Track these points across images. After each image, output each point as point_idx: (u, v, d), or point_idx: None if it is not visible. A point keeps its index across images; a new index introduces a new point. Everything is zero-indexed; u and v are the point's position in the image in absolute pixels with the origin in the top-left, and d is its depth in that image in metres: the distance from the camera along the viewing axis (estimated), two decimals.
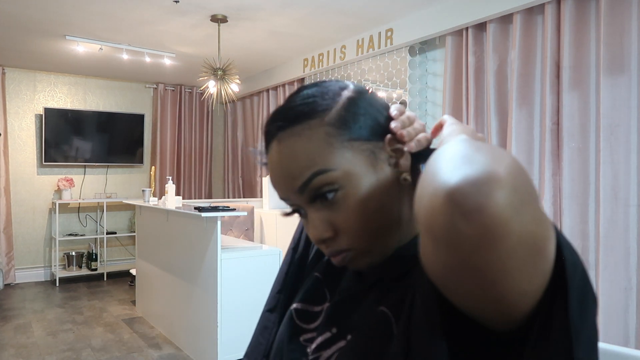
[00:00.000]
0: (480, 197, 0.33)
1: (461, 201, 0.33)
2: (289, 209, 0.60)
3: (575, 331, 0.37)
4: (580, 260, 0.40)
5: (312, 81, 4.51)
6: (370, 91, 0.60)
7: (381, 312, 0.54)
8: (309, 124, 0.54)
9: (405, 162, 0.57)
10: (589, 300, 0.39)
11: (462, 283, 0.36)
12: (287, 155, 0.54)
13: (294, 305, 0.66)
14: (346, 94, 0.57)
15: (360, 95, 0.58)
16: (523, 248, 0.34)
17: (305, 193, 0.54)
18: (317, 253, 0.74)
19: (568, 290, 0.37)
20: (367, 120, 0.56)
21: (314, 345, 0.59)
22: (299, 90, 0.59)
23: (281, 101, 5.02)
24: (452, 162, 0.37)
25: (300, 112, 0.55)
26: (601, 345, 0.78)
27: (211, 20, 3.58)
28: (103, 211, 5.59)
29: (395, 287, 0.55)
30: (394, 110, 0.58)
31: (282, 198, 0.58)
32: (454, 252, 0.34)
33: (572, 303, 0.37)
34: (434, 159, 0.40)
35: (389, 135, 0.57)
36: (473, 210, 0.33)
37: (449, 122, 0.57)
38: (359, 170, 0.54)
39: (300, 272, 0.74)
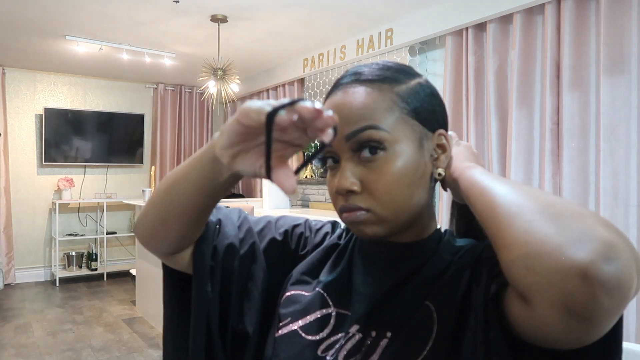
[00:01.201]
0: (617, 272, 0.36)
1: (603, 280, 0.36)
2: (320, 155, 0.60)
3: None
4: None
5: (312, 81, 4.52)
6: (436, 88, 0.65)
7: (426, 307, 0.54)
8: (380, 85, 0.58)
9: (444, 159, 0.61)
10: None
11: (577, 340, 0.40)
12: (351, 101, 0.57)
13: (291, 327, 0.63)
14: (419, 78, 0.62)
15: (430, 85, 0.63)
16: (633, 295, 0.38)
17: (351, 141, 0.56)
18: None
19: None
20: (427, 108, 0.60)
21: (343, 353, 0.57)
22: (379, 62, 0.63)
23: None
24: (548, 223, 0.40)
25: (376, 74, 0.59)
26: None
27: (211, 20, 3.58)
28: (103, 211, 5.59)
29: (434, 283, 0.57)
30: (451, 133, 0.65)
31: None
32: (591, 323, 0.38)
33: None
34: (492, 213, 0.45)
35: (440, 130, 0.61)
36: (615, 287, 0.36)
37: (456, 141, 0.65)
38: (406, 144, 0.57)
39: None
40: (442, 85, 3.37)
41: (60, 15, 3.52)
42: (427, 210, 0.62)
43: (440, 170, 0.60)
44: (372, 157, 0.56)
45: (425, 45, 3.59)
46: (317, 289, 0.66)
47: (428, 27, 3.37)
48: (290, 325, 0.64)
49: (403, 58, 3.60)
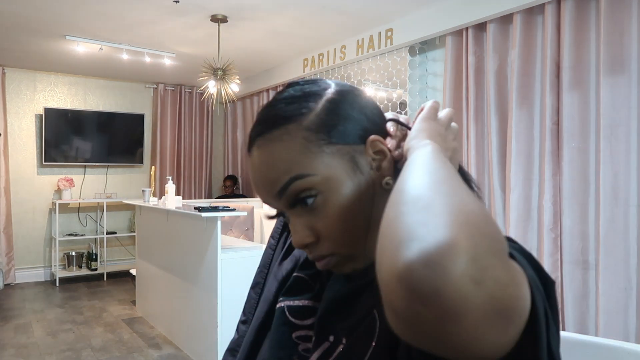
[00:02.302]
0: (436, 279, 0.31)
1: (416, 287, 0.31)
2: (273, 212, 0.60)
3: None
4: (553, 296, 0.40)
5: None
6: (355, 91, 0.58)
7: (373, 315, 0.53)
8: (287, 128, 0.54)
9: (388, 164, 0.56)
10: (555, 334, 0.40)
11: (430, 349, 0.34)
12: (266, 161, 0.54)
13: (284, 303, 0.65)
14: (328, 95, 0.56)
15: (343, 96, 0.56)
16: (489, 318, 0.32)
17: (283, 198, 0.54)
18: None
19: (538, 336, 0.37)
20: (347, 124, 0.55)
21: (315, 356, 0.57)
22: (285, 89, 0.58)
23: None
24: (407, 215, 0.35)
25: (279, 116, 0.55)
26: (602, 340, 0.79)
27: (211, 20, 3.58)
28: (103, 211, 5.59)
29: None
30: (389, 125, 0.58)
31: (264, 202, 0.58)
32: (417, 330, 0.33)
33: (541, 345, 0.37)
34: (392, 196, 0.40)
35: (371, 137, 0.55)
36: (429, 295, 0.31)
37: (419, 118, 0.56)
38: (339, 175, 0.53)
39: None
40: (442, 85, 3.38)
41: (60, 15, 3.52)
42: None
43: (388, 179, 0.55)
44: (311, 205, 0.53)
45: (425, 45, 3.59)
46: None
47: (428, 27, 3.37)
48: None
49: (403, 58, 3.60)
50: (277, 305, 0.66)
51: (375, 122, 0.57)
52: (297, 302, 0.64)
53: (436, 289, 0.31)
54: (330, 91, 0.57)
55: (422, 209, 0.35)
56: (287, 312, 0.64)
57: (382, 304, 0.38)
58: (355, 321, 0.55)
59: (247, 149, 0.58)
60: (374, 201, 0.55)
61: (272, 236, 0.78)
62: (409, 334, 0.34)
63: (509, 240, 0.47)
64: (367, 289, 0.57)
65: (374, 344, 0.51)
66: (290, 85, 0.58)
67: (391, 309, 0.34)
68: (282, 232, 0.77)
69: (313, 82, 0.59)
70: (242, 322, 0.76)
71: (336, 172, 0.53)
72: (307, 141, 0.53)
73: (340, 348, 0.55)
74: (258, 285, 0.77)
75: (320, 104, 0.55)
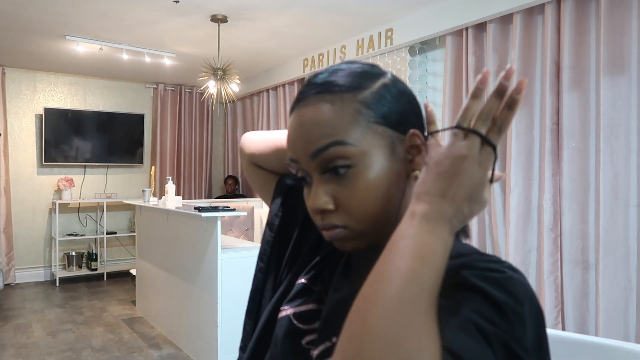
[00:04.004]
0: None
1: None
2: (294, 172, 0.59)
3: None
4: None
5: None
6: (405, 84, 0.60)
7: None
8: (341, 96, 0.55)
9: (421, 160, 0.56)
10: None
11: None
12: (313, 118, 0.55)
13: (289, 311, 0.65)
14: (385, 80, 0.58)
15: (395, 84, 0.58)
16: None
17: (317, 159, 0.54)
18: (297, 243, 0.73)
19: None
20: (395, 110, 0.56)
21: (316, 353, 0.58)
22: (341, 64, 0.59)
23: (281, 101, 5.02)
24: (365, 338, 0.39)
25: (336, 83, 0.56)
26: (602, 340, 0.79)
27: (211, 20, 3.58)
28: (103, 211, 5.59)
29: None
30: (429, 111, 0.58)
31: (292, 159, 0.58)
32: None
33: None
34: (364, 294, 0.43)
35: (412, 131, 0.57)
36: None
37: (434, 155, 0.50)
38: (376, 154, 0.54)
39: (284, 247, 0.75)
40: (442, 85, 3.38)
41: (60, 15, 3.52)
42: (407, 206, 0.57)
43: (418, 173, 0.56)
44: (342, 174, 0.54)
45: (425, 45, 3.59)
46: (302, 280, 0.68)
47: (428, 27, 3.37)
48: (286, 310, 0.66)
49: (403, 58, 3.60)
50: (280, 315, 0.65)
51: (418, 118, 0.59)
52: (302, 308, 0.64)
53: None
54: (388, 77, 0.59)
55: (376, 340, 0.39)
56: (293, 319, 0.64)
57: None
58: None
59: (292, 107, 0.59)
60: (400, 189, 0.56)
61: (260, 259, 0.77)
62: None
63: (501, 263, 0.47)
64: None
65: None
66: (348, 62, 0.59)
67: None
68: (270, 255, 0.76)
69: (371, 65, 0.60)
70: (241, 348, 0.76)
71: (375, 151, 0.54)
72: (358, 113, 0.54)
73: None
74: (252, 312, 0.76)
75: (377, 84, 0.57)
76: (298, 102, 0.58)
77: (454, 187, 0.46)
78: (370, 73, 0.58)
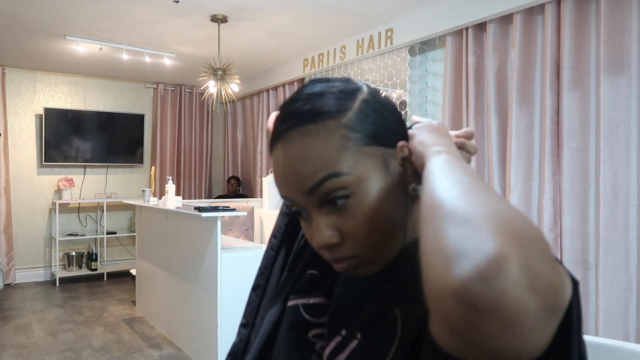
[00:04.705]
0: (495, 294, 0.31)
1: (475, 303, 0.31)
2: (289, 209, 0.58)
3: None
4: (578, 295, 0.40)
5: None
6: (380, 94, 0.58)
7: (394, 314, 0.53)
8: (324, 124, 0.52)
9: (412, 171, 0.55)
10: (582, 339, 0.40)
11: (483, 359, 0.34)
12: (300, 155, 0.52)
13: (297, 302, 0.64)
14: (362, 95, 0.55)
15: (374, 97, 0.56)
16: (543, 322, 0.32)
17: (314, 195, 0.52)
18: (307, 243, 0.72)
19: (571, 335, 0.37)
20: (381, 126, 0.54)
21: (328, 351, 0.57)
22: (309, 84, 0.56)
23: (281, 101, 5.02)
24: (447, 230, 0.35)
25: (315, 110, 0.52)
26: (602, 340, 0.79)
27: (211, 20, 3.58)
28: (103, 211, 5.59)
29: (406, 290, 0.54)
30: (414, 125, 0.58)
31: (285, 197, 0.55)
32: (475, 344, 0.33)
33: (573, 346, 0.38)
34: (425, 212, 0.40)
35: (401, 143, 0.55)
36: (490, 310, 0.31)
37: (415, 127, 0.56)
38: (372, 176, 0.52)
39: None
40: (442, 85, 3.37)
41: (60, 15, 3.52)
42: (411, 219, 0.57)
43: (414, 186, 0.54)
44: (342, 205, 0.52)
45: (425, 45, 3.59)
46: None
47: (428, 27, 3.37)
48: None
49: (403, 58, 3.60)
50: (289, 304, 0.65)
51: (402, 126, 0.57)
52: (311, 300, 0.63)
53: (496, 304, 0.31)
54: (365, 91, 0.56)
55: (461, 223, 0.35)
56: (302, 310, 0.63)
57: (408, 309, 0.43)
58: (371, 317, 0.55)
59: (272, 142, 0.55)
60: (400, 204, 0.55)
61: (273, 235, 0.76)
62: (464, 349, 0.33)
63: None
64: (382, 286, 0.57)
65: (396, 343, 0.50)
66: (318, 81, 0.56)
67: (447, 326, 0.33)
68: (285, 232, 0.75)
69: (342, 80, 0.57)
70: (243, 325, 0.75)
71: (371, 174, 0.52)
72: (345, 139, 0.51)
73: (354, 343, 0.55)
74: (259, 288, 0.75)
75: (357, 103, 0.54)
76: (279, 137, 0.54)
77: (447, 136, 0.56)
78: (347, 91, 0.55)
